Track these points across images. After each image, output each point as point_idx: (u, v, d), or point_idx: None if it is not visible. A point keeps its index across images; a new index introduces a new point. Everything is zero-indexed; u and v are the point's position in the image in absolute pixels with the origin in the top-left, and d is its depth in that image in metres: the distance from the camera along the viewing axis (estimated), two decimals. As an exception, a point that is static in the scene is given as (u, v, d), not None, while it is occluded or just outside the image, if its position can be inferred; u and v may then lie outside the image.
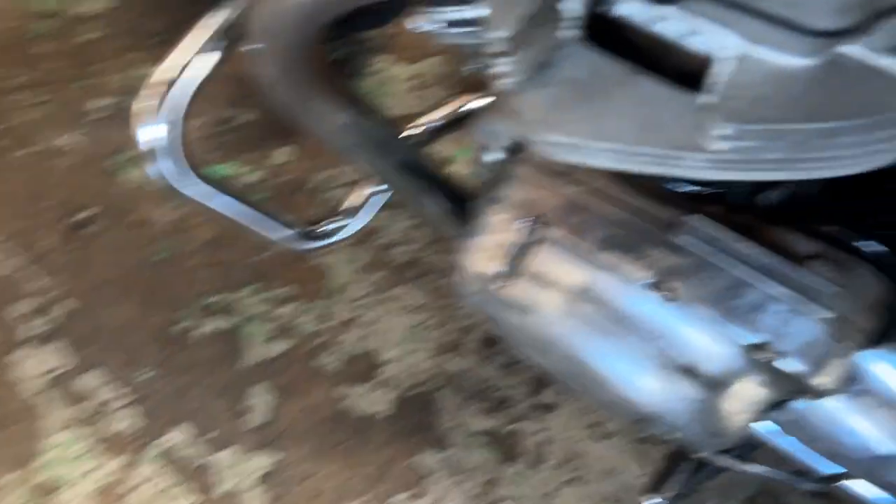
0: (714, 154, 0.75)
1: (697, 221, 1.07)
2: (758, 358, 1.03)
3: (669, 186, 1.11)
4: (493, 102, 1.20)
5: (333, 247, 2.06)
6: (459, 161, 1.95)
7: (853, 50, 0.67)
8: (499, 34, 0.76)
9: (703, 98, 0.75)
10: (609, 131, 0.79)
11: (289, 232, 1.53)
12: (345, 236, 1.52)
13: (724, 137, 0.72)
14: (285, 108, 1.19)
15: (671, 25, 0.82)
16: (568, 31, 0.81)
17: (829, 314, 1.01)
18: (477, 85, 1.55)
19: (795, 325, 1.02)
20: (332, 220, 1.54)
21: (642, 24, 0.84)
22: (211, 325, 2.05)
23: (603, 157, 0.82)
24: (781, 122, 0.69)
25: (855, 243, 1.03)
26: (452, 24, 0.88)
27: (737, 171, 0.78)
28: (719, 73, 0.73)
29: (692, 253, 1.07)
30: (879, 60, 0.67)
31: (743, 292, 1.04)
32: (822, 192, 1.07)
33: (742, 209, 1.10)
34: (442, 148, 2.12)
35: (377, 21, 2.12)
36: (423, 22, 0.91)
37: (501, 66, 0.79)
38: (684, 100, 0.77)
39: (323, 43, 1.08)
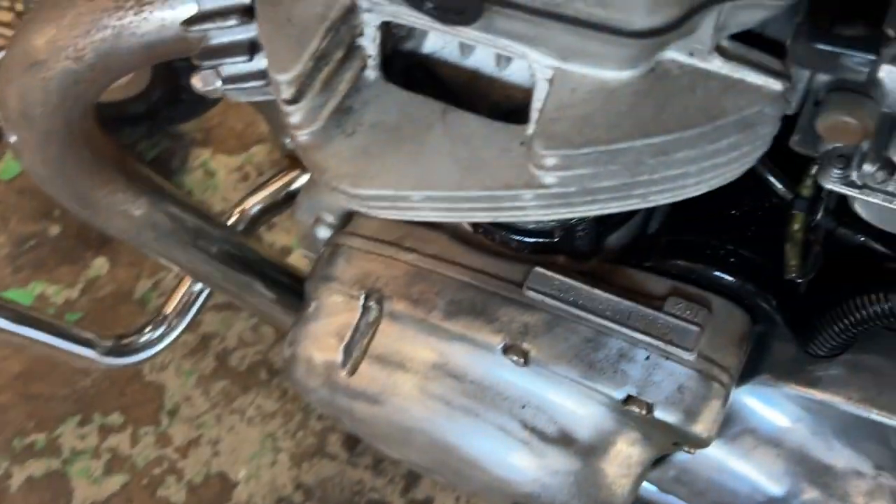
0: (546, 189, 0.67)
1: (544, 274, 0.99)
2: (629, 414, 0.94)
3: (513, 238, 1.02)
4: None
5: (162, 359, 1.87)
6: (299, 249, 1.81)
7: (676, 54, 0.61)
8: (284, 77, 0.66)
9: (528, 129, 0.67)
10: (428, 178, 0.69)
11: (101, 351, 1.35)
12: (166, 344, 1.35)
13: (553, 168, 0.64)
14: (70, 206, 1.03)
15: (482, 57, 0.74)
16: (368, 72, 0.72)
17: (692, 356, 0.94)
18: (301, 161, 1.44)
19: (661, 373, 0.94)
20: (149, 328, 1.36)
21: (453, 60, 0.76)
22: (32, 469, 1.79)
23: (427, 208, 0.72)
24: (610, 142, 0.62)
25: (706, 276, 0.97)
26: (237, 78, 0.77)
27: (572, 206, 0.69)
28: (537, 98, 0.65)
29: (543, 309, 0.98)
30: (706, 62, 0.61)
31: (602, 344, 0.96)
32: (667, 224, 1.02)
33: (589, 254, 1.03)
34: (278, 237, 2.00)
35: (187, 113, 1.99)
36: (208, 81, 0.79)
37: (294, 115, 0.68)
38: (507, 134, 0.68)
39: (100, 125, 0.93)
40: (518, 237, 1.03)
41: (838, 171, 0.72)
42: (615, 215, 0.97)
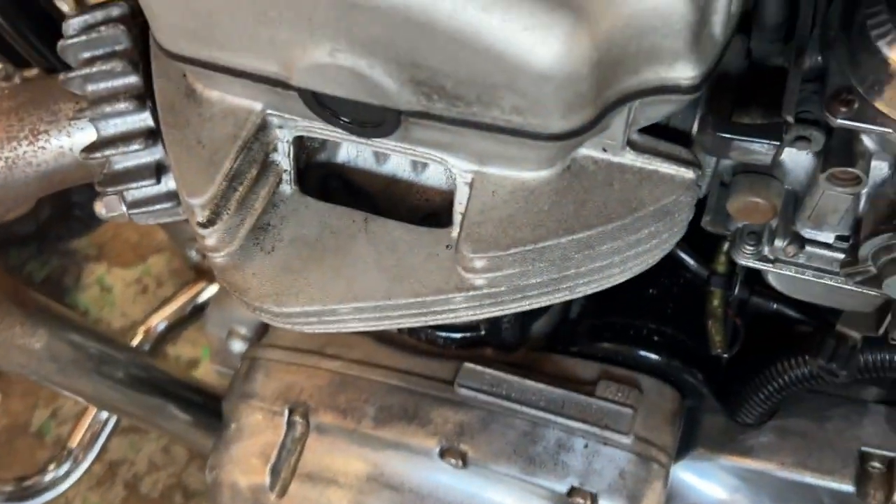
0: (475, 291, 0.66)
1: (474, 369, 0.98)
2: (576, 500, 0.92)
3: (439, 335, 1.01)
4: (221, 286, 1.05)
5: (66, 493, 1.74)
6: (208, 360, 1.74)
7: (590, 150, 0.62)
8: (197, 201, 0.63)
9: (452, 231, 0.66)
10: (356, 290, 0.67)
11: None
12: (74, 481, 1.25)
13: (481, 270, 0.63)
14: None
15: (398, 163, 0.74)
16: (284, 186, 0.70)
17: (629, 439, 0.93)
18: (208, 272, 1.39)
19: (601, 460, 0.93)
20: (53, 465, 1.26)
21: (369, 168, 0.75)
22: None
23: (354, 320, 0.70)
24: (536, 241, 0.62)
25: (632, 356, 0.98)
26: (144, 202, 0.74)
27: (503, 304, 0.69)
28: (458, 201, 0.65)
29: (476, 406, 0.97)
30: (619, 156, 0.63)
31: (540, 436, 0.94)
32: (588, 308, 1.03)
33: (516, 345, 1.03)
34: (183, 350, 1.91)
35: (79, 229, 1.91)
36: (112, 207, 0.75)
37: (209, 238, 0.66)
38: (432, 238, 0.67)
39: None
40: (444, 334, 1.02)
41: (750, 248, 0.75)
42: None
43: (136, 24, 0.72)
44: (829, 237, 0.70)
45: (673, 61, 0.55)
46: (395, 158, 0.74)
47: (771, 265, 0.75)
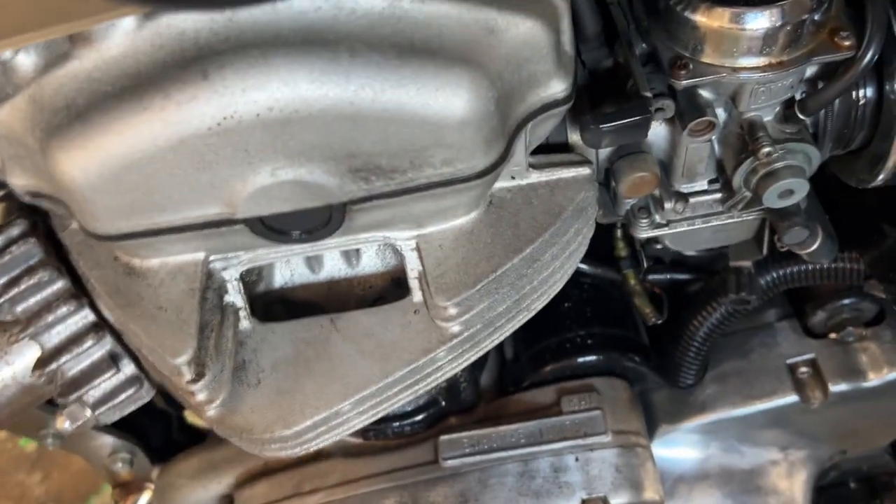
0: (455, 339, 0.72)
1: (451, 439, 1.02)
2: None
3: (405, 424, 1.04)
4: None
5: None
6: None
7: (502, 183, 0.71)
8: (183, 359, 0.65)
9: (413, 297, 0.72)
10: (353, 384, 0.71)
11: None
12: None
13: (457, 315, 0.70)
14: None
15: (331, 266, 0.79)
16: (243, 322, 0.73)
17: (608, 437, 1.00)
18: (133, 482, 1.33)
19: (595, 465, 0.99)
20: None
21: (307, 280, 0.80)
22: None
23: (357, 415, 0.73)
24: (495, 269, 0.69)
25: (576, 365, 1.06)
26: (108, 397, 0.74)
27: (479, 343, 0.75)
28: (410, 268, 0.71)
29: (467, 470, 1.00)
30: (527, 178, 0.72)
31: (535, 470, 0.99)
32: (519, 346, 1.10)
33: (473, 403, 1.08)
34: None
35: None
36: (76, 415, 0.74)
37: (200, 393, 0.67)
38: (397, 312, 0.73)
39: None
40: (408, 421, 1.05)
41: (644, 221, 0.86)
42: (481, 360, 1.04)
43: (40, 233, 0.74)
44: (703, 184, 0.83)
45: (547, 80, 0.65)
46: (328, 262, 0.79)
47: (666, 228, 0.86)
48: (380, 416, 0.76)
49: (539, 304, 0.78)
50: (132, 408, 0.78)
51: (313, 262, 0.78)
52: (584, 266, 1.09)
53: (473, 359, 0.77)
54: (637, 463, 1.01)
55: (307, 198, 0.63)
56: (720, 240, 0.92)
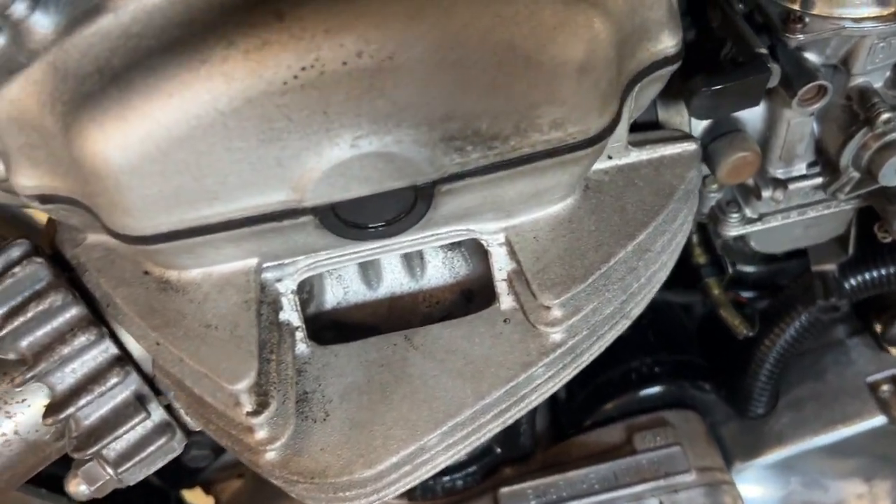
0: (557, 350, 0.60)
1: (513, 491, 0.89)
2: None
3: (456, 478, 0.91)
4: None
5: None
6: None
7: (598, 165, 0.61)
8: (242, 385, 0.52)
9: (501, 305, 0.60)
10: (442, 408, 0.58)
11: None
12: None
13: (561, 319, 0.58)
14: None
15: (392, 280, 0.68)
16: (300, 346, 0.60)
17: (692, 475, 0.89)
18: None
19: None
20: None
21: (363, 299, 0.68)
22: None
23: (445, 449, 0.61)
24: (606, 259, 0.58)
25: (643, 398, 0.95)
26: (137, 448, 0.60)
27: (579, 356, 0.63)
28: (499, 268, 0.60)
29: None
30: (626, 158, 0.62)
31: (614, 517, 0.87)
32: (578, 382, 0.99)
33: (530, 451, 0.95)
34: None
35: None
36: (93, 476, 0.60)
37: (262, 429, 0.54)
38: (485, 323, 0.61)
39: None
40: (460, 474, 0.91)
41: (735, 216, 0.77)
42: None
43: (44, 254, 0.61)
44: (801, 169, 0.74)
45: (659, 32, 0.56)
46: (388, 275, 0.67)
47: (759, 223, 0.77)
48: (468, 449, 0.64)
49: (638, 310, 0.67)
50: (161, 463, 0.63)
51: (371, 277, 0.67)
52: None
53: (569, 378, 0.66)
54: (726, 501, 0.89)
55: (391, 175, 0.52)
56: (811, 237, 0.82)
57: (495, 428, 0.63)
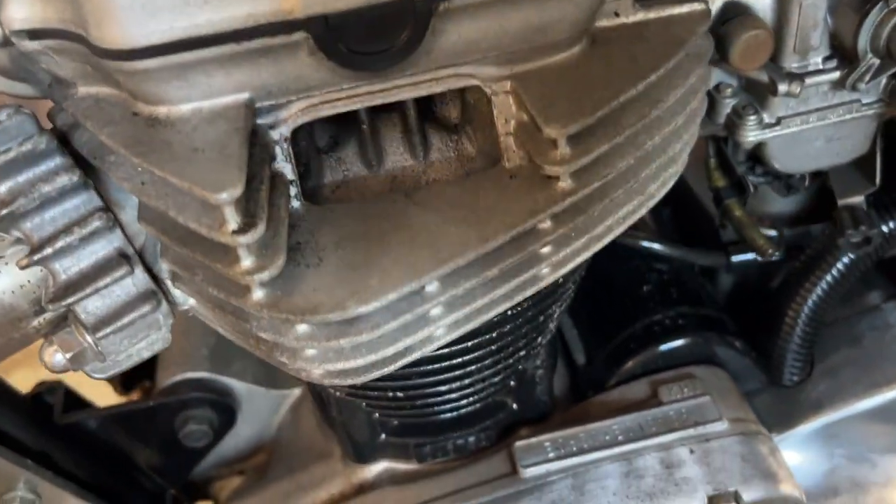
0: (566, 200, 0.56)
1: (528, 444, 0.82)
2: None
3: (468, 433, 0.84)
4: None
5: None
6: None
7: (603, 21, 0.59)
8: (226, 195, 0.48)
9: (505, 163, 0.57)
10: (443, 250, 0.54)
11: None
12: None
13: (568, 158, 0.55)
14: None
15: (397, 161, 0.65)
16: (294, 202, 0.57)
17: (725, 424, 0.82)
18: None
19: (715, 457, 0.80)
20: None
21: (366, 179, 0.64)
22: None
23: (448, 310, 0.56)
24: (616, 95, 0.54)
25: (667, 352, 0.88)
26: (117, 313, 0.55)
27: (588, 213, 0.59)
28: (505, 119, 0.57)
29: (554, 478, 0.79)
30: (633, 16, 0.60)
31: (641, 468, 0.79)
32: (594, 346, 0.93)
33: (546, 412, 0.88)
34: None
35: None
36: (68, 344, 0.55)
37: (249, 255, 0.50)
38: (489, 179, 0.58)
39: None
40: (473, 430, 0.85)
41: (752, 118, 0.74)
42: (552, 357, 0.87)
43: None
44: (817, 62, 0.71)
45: None
46: (390, 154, 0.64)
47: (777, 128, 0.74)
48: (471, 326, 0.59)
49: (654, 186, 0.63)
50: (144, 342, 0.59)
51: (371, 157, 0.64)
52: (660, 247, 0.95)
53: (580, 255, 0.61)
54: (765, 452, 0.81)
55: (386, -20, 0.50)
56: (833, 153, 0.78)
57: (501, 301, 0.58)
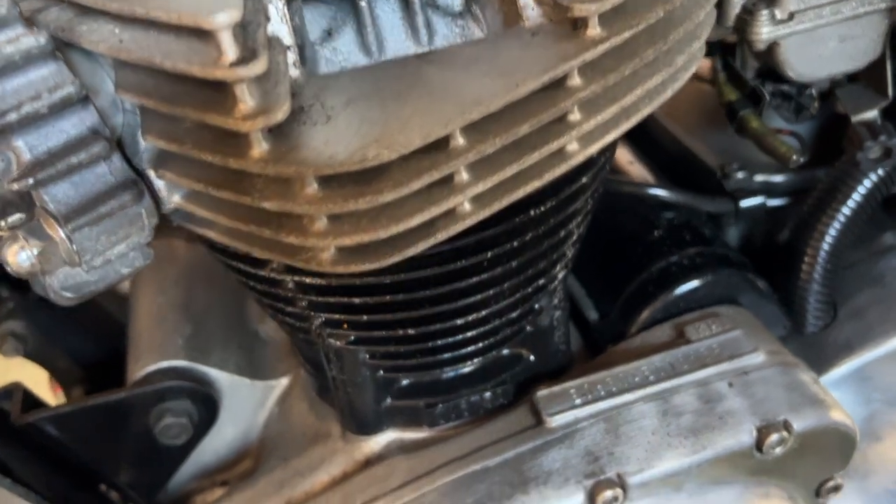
0: (599, 44, 0.51)
1: (551, 392, 0.74)
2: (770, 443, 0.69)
3: (486, 388, 0.76)
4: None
5: None
6: None
7: None
8: (223, 18, 0.42)
9: (528, 21, 0.52)
10: (469, 98, 0.47)
11: None
12: None
13: None
14: None
15: (398, 46, 0.59)
16: (292, 70, 0.50)
17: (761, 355, 0.75)
18: None
19: (758, 388, 0.73)
20: None
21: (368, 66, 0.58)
22: None
23: (474, 181, 0.49)
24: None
25: (688, 293, 0.82)
26: (88, 203, 0.47)
27: (623, 84, 0.54)
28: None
29: (582, 424, 0.72)
30: None
31: (679, 406, 0.72)
32: (607, 298, 0.86)
33: (567, 364, 0.81)
34: None
35: None
36: (35, 232, 0.47)
37: (248, 92, 0.43)
38: (509, 38, 0.52)
39: None
40: (489, 384, 0.76)
41: (765, 15, 0.70)
42: (567, 303, 0.80)
43: None
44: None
45: None
46: (390, 39, 0.58)
47: (791, 23, 0.70)
48: (499, 205, 0.52)
49: (682, 60, 0.58)
50: (125, 248, 0.51)
51: (370, 43, 0.57)
52: (666, 193, 0.90)
53: (609, 133, 0.55)
54: (808, 380, 0.75)
55: None
56: (846, 55, 0.75)
57: (530, 176, 0.52)
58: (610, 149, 0.68)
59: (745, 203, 0.92)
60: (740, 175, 0.94)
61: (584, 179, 0.64)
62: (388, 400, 0.76)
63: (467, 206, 0.51)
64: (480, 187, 0.51)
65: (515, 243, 0.62)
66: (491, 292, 0.66)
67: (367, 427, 0.78)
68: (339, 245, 0.48)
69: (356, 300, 0.63)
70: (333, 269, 0.50)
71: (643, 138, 1.07)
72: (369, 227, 0.48)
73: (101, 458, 0.88)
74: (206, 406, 0.88)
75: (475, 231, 0.57)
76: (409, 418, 0.77)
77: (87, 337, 1.11)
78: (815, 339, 0.89)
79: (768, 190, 0.94)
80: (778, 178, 0.95)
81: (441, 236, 0.51)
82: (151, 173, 0.52)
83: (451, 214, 0.51)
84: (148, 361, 0.88)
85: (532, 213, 0.60)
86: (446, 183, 0.49)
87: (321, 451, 0.81)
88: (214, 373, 0.89)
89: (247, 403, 0.93)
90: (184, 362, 0.89)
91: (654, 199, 0.90)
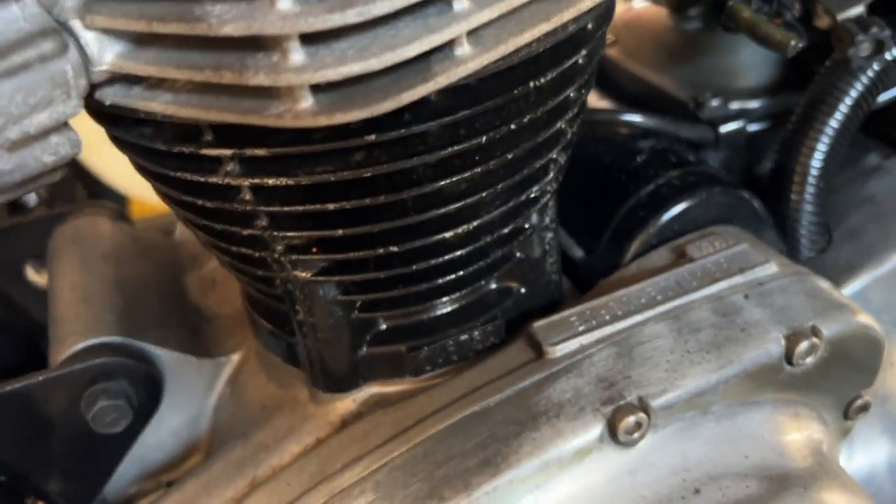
0: None
1: (550, 322, 0.66)
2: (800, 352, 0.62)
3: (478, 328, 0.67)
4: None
5: None
6: None
7: None
8: None
9: None
10: None
11: None
12: None
13: None
14: None
15: None
16: None
17: (775, 266, 0.68)
18: None
19: (777, 297, 0.67)
20: None
21: None
22: None
23: None
24: None
25: (683, 214, 0.75)
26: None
27: None
28: None
29: (589, 350, 0.63)
30: None
31: (694, 321, 0.65)
32: (598, 227, 0.79)
33: (558, 299, 0.73)
34: None
35: None
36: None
37: None
38: None
39: None
40: (479, 320, 0.67)
41: None
42: (557, 225, 0.72)
43: None
44: None
45: None
46: None
47: None
48: (501, 50, 0.43)
49: None
50: (47, 118, 0.40)
51: None
52: (643, 119, 0.84)
53: None
54: (828, 287, 0.68)
55: None
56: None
57: (534, 18, 0.44)
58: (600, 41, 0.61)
59: (725, 128, 0.86)
60: (715, 103, 0.89)
61: (581, 60, 0.57)
62: (365, 348, 0.66)
63: (467, 48, 0.43)
64: (482, 17, 0.42)
65: (513, 125, 0.53)
66: (484, 194, 0.57)
67: (340, 383, 0.67)
68: (321, 79, 0.39)
69: (330, 206, 0.53)
70: (315, 121, 0.40)
71: (608, 84, 1.01)
72: (357, 57, 0.39)
73: (23, 460, 0.75)
74: (147, 387, 0.76)
75: (470, 103, 0.49)
76: (390, 367, 0.67)
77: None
78: (812, 264, 0.82)
79: (745, 115, 0.88)
80: (754, 104, 0.90)
81: (440, 80, 0.42)
82: (77, 24, 0.42)
83: (450, 56, 0.42)
84: (76, 340, 0.76)
85: (532, 84, 0.52)
86: (445, 10, 0.41)
87: (288, 420, 0.70)
88: (154, 349, 0.77)
89: (193, 385, 0.81)
90: (118, 338, 0.77)
91: (633, 126, 0.83)
